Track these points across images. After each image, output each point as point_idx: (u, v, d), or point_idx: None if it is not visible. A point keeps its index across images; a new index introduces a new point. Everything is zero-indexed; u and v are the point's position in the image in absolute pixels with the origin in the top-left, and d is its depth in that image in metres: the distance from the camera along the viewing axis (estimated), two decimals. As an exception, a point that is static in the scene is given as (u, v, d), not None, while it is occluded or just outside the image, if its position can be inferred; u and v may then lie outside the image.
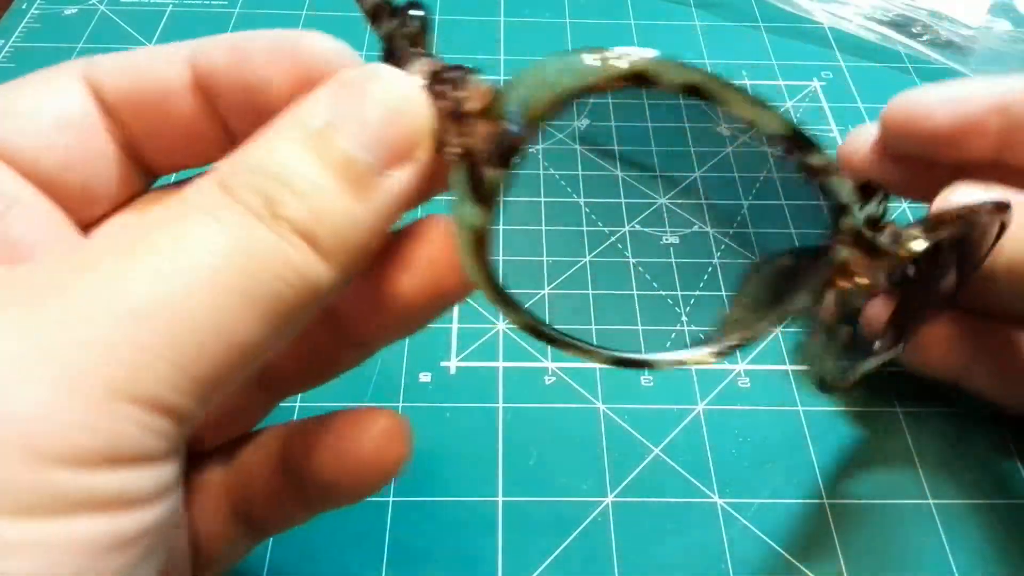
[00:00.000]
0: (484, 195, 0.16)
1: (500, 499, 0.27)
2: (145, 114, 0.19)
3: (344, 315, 0.19)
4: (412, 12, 0.17)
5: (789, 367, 0.31)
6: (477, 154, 0.16)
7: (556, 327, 0.18)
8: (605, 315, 0.32)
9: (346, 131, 0.15)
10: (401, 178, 0.16)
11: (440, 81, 0.16)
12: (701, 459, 0.28)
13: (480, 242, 0.16)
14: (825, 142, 0.19)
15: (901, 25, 0.46)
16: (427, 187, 0.17)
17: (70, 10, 0.45)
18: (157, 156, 0.20)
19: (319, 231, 0.14)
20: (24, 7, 0.45)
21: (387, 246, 0.18)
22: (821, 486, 0.28)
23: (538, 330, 0.18)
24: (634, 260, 0.34)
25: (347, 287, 0.17)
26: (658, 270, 0.34)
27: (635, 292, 0.33)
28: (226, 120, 0.19)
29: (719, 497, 0.27)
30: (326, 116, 0.15)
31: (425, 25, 0.17)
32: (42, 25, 0.44)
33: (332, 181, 0.15)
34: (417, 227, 0.18)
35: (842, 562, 0.26)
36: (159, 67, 0.18)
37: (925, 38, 0.45)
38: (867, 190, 0.28)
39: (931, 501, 0.27)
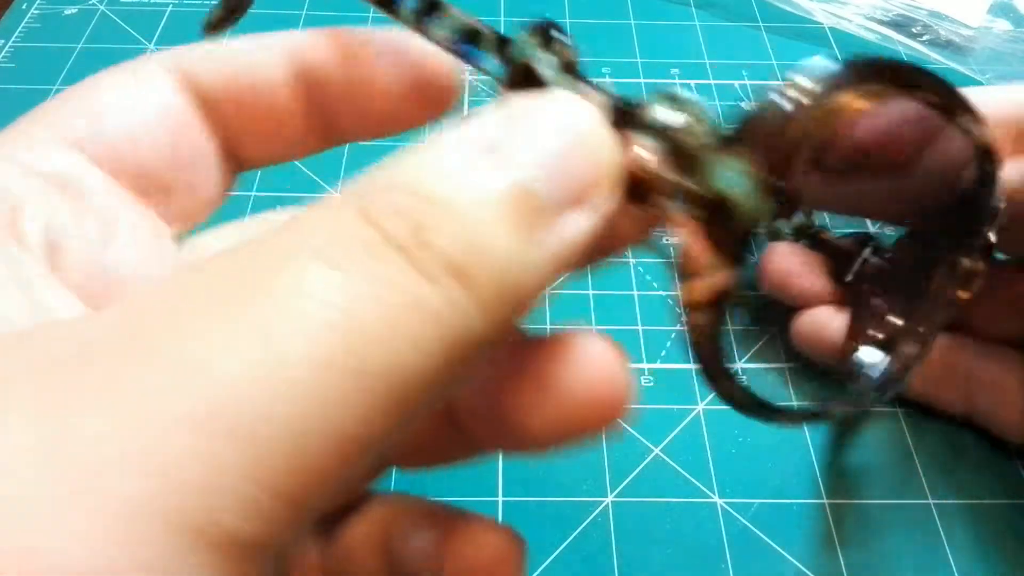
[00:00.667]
0: (725, 252, 0.13)
1: (500, 499, 0.27)
2: (244, 107, 0.17)
3: (455, 408, 0.16)
4: (556, 34, 0.14)
5: (787, 366, 0.31)
6: (726, 203, 0.13)
7: (770, 401, 0.16)
8: (605, 315, 0.32)
9: (519, 156, 0.12)
10: (579, 223, 0.12)
11: (630, 116, 0.14)
12: (701, 459, 0.28)
13: (715, 312, 0.13)
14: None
15: (901, 25, 0.46)
16: (606, 244, 0.14)
17: (70, 10, 0.45)
18: (250, 150, 0.18)
19: (474, 269, 0.11)
20: (24, 7, 0.45)
21: (516, 349, 0.14)
22: (821, 486, 0.28)
23: (762, 406, 0.15)
24: (634, 260, 0.34)
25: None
26: (658, 270, 0.34)
27: (635, 292, 0.33)
28: (329, 116, 0.18)
29: (719, 497, 0.27)
30: (495, 136, 0.12)
31: (576, 52, 0.14)
32: (42, 25, 0.44)
33: (497, 210, 0.12)
34: (561, 340, 0.14)
35: (842, 562, 0.26)
36: (259, 59, 0.17)
37: (925, 38, 0.45)
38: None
39: (931, 501, 0.27)
